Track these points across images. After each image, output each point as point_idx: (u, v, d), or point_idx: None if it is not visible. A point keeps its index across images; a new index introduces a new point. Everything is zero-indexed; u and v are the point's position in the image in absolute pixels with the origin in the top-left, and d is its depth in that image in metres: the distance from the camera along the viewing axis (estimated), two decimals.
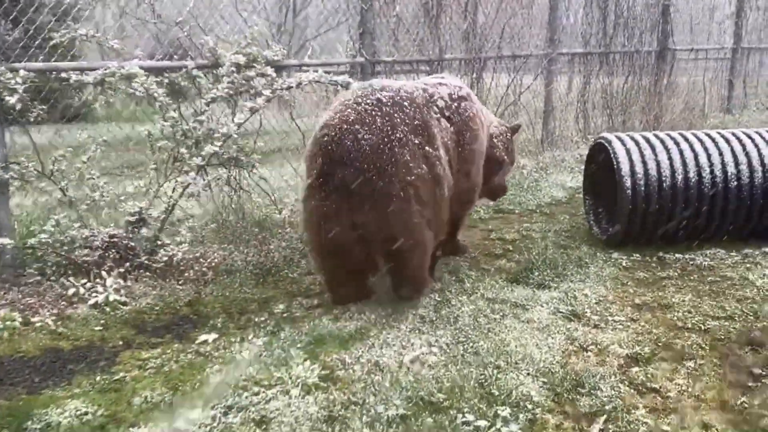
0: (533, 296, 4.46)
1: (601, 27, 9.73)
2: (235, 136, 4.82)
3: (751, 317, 4.16)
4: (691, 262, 5.15)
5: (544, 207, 6.85)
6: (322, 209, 3.91)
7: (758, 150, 5.36)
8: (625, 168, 5.26)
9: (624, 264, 5.14)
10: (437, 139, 4.21)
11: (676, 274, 4.92)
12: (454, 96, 4.62)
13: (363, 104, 4.00)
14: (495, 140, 5.17)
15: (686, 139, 5.44)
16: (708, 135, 5.51)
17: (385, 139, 3.89)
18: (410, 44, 7.28)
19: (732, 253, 5.31)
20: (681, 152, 5.32)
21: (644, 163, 5.28)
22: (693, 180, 5.24)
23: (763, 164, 5.31)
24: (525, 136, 9.02)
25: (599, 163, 5.72)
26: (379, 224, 3.89)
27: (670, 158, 5.30)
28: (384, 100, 4.04)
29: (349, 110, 3.97)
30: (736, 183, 5.27)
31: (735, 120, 12.14)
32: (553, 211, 6.73)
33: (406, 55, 7.21)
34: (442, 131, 4.33)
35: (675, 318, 4.16)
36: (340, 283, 4.25)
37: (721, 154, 5.33)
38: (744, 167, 5.29)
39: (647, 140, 5.46)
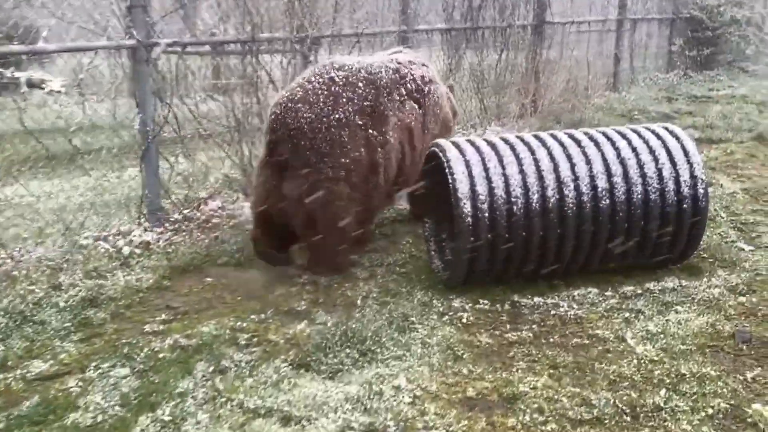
0: (320, 397, 2.99)
1: None
2: None
3: (627, 418, 2.83)
4: (554, 311, 3.83)
5: (387, 225, 5.39)
6: (264, 185, 4.13)
7: (637, 156, 4.07)
8: (463, 187, 3.86)
9: (465, 319, 3.75)
10: (390, 123, 4.22)
11: (531, 335, 3.57)
12: (425, 78, 4.63)
13: (314, 82, 4.04)
14: (453, 103, 5.27)
15: (544, 144, 4.08)
16: (572, 137, 4.18)
17: (324, 119, 3.94)
18: (210, 21, 5.63)
19: (607, 293, 4.03)
20: (536, 162, 3.97)
21: (489, 179, 3.90)
22: (552, 199, 3.91)
23: (643, 175, 4.03)
24: None
25: (439, 177, 4.30)
26: (303, 199, 3.96)
27: (522, 171, 3.93)
28: (337, 79, 4.07)
29: (299, 88, 4.03)
30: (608, 201, 3.96)
31: (621, 99, 11.13)
32: (397, 230, 5.28)
33: (202, 34, 5.55)
34: (404, 114, 4.35)
35: (519, 426, 2.79)
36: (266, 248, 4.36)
37: (588, 162, 4.01)
38: (618, 179, 3.99)
39: (493, 147, 4.07)
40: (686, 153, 4.10)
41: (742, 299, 3.91)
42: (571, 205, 3.91)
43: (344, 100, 4.03)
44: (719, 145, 7.87)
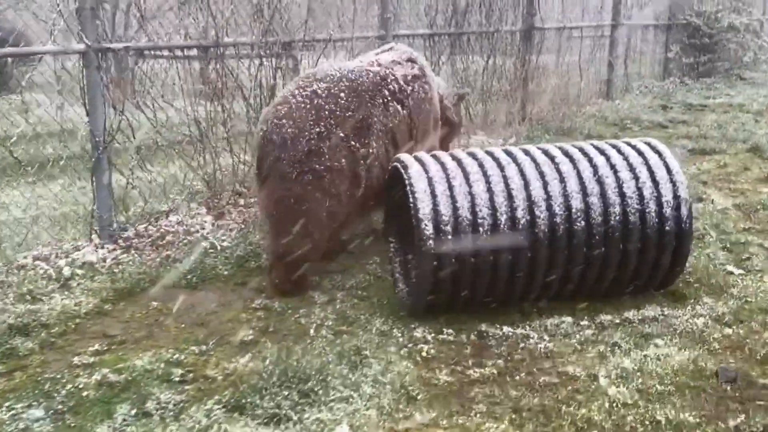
0: None
1: (450, 2, 8.03)
2: None
3: None
4: (523, 344, 3.50)
5: (354, 241, 5.04)
6: (259, 199, 4.35)
7: (615, 173, 3.75)
8: (424, 207, 3.54)
9: (425, 352, 3.43)
10: (373, 131, 4.20)
11: (496, 372, 3.25)
12: (408, 77, 4.58)
13: (297, 97, 4.07)
14: (446, 102, 5.13)
15: (514, 160, 3.77)
16: (546, 153, 3.86)
17: (305, 133, 3.95)
18: (169, 25, 5.32)
19: (582, 322, 3.71)
20: (505, 180, 3.65)
21: (453, 197, 3.58)
22: (522, 221, 3.59)
23: (621, 194, 3.71)
24: None
25: (403, 194, 3.98)
26: (281, 206, 4.01)
27: (489, 190, 3.62)
28: (319, 92, 4.08)
29: (283, 104, 4.09)
30: (583, 223, 3.64)
31: (614, 107, 10.81)
32: (364, 248, 4.92)
33: (159, 39, 5.23)
34: (387, 117, 4.31)
35: None
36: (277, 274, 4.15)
37: (563, 180, 3.69)
38: (595, 200, 3.67)
39: (459, 163, 3.76)
40: (669, 171, 3.78)
41: (728, 331, 3.58)
42: (542, 227, 3.59)
43: (326, 113, 4.02)
44: (713, 157, 7.54)
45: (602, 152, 3.85)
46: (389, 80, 4.42)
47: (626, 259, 3.74)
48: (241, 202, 5.69)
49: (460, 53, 8.34)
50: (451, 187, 3.61)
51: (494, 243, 3.57)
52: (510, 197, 3.60)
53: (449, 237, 3.53)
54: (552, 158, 3.78)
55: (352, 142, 4.09)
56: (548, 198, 3.63)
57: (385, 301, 4.03)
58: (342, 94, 4.12)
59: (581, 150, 3.87)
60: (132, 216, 5.22)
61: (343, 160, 4.04)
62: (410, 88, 4.55)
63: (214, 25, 5.41)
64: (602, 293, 3.89)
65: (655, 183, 3.73)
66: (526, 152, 3.84)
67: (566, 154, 3.82)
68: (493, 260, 3.59)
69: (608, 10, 11.79)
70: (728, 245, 4.80)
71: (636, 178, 3.74)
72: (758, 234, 5.04)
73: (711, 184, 6.42)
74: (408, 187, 3.63)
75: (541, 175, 3.68)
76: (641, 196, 3.70)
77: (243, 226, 5.18)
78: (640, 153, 3.85)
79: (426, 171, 3.68)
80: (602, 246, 3.68)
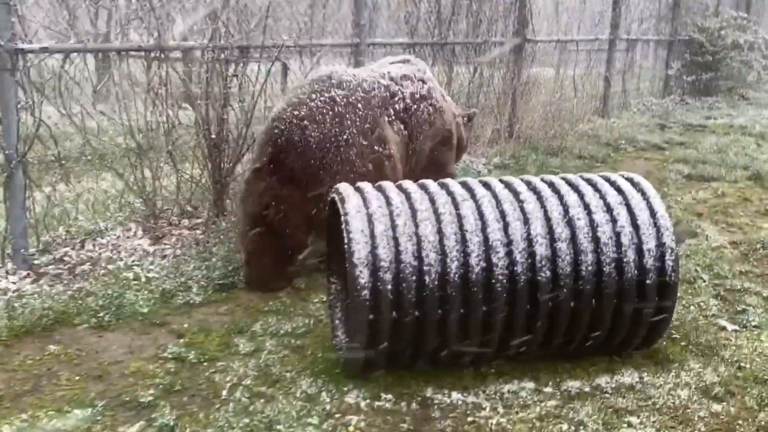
0: None
1: (434, 10, 7.48)
2: None
3: None
4: (471, 417, 2.95)
5: (303, 274, 4.47)
6: (269, 191, 4.00)
7: (589, 215, 3.19)
8: (360, 251, 2.98)
9: (354, 426, 2.88)
10: (389, 139, 4.29)
11: None
12: (416, 95, 4.61)
13: (316, 101, 4.08)
14: (461, 128, 5.16)
15: (472, 196, 3.20)
16: (509, 187, 3.29)
17: (332, 139, 4.01)
18: (105, 24, 4.77)
19: (545, 389, 3.15)
20: (459, 219, 3.09)
21: (396, 239, 3.02)
22: (477, 269, 3.02)
23: (595, 239, 3.14)
24: None
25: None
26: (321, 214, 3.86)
27: (439, 231, 3.05)
28: (338, 99, 4.12)
29: (302, 105, 4.06)
30: (549, 273, 3.07)
31: (610, 125, 10.26)
32: (313, 283, 4.36)
33: (90, 39, 4.68)
34: (393, 134, 4.38)
35: None
36: (261, 267, 4.16)
37: (527, 222, 3.13)
38: (563, 246, 3.11)
39: (407, 197, 3.19)
40: (653, 213, 3.22)
41: (717, 408, 3.01)
42: (500, 277, 3.03)
43: (348, 122, 4.11)
44: (710, 185, 6.99)
45: (576, 189, 3.29)
46: (396, 98, 4.49)
47: (599, 317, 3.18)
48: (185, 223, 5.14)
49: (443, 64, 7.77)
50: (394, 227, 3.05)
51: (442, 294, 3.01)
52: (463, 241, 3.04)
53: (389, 286, 2.97)
54: (516, 194, 3.22)
55: (375, 147, 4.20)
56: (509, 243, 3.06)
57: (320, 354, 3.46)
58: (360, 105, 4.20)
59: (551, 185, 3.30)
60: (58, 237, 4.66)
61: (370, 165, 4.14)
62: (415, 106, 4.59)
63: (158, 26, 4.85)
64: (570, 354, 3.32)
65: (636, 227, 3.17)
66: (487, 186, 3.27)
67: (533, 190, 3.26)
68: (441, 314, 3.03)
69: (606, 24, 11.25)
70: (722, 293, 4.25)
71: (613, 221, 3.17)
72: (756, 279, 4.48)
73: (706, 217, 5.86)
74: (343, 225, 3.07)
75: (502, 215, 3.12)
76: (618, 243, 3.14)
77: (180, 253, 4.62)
78: (620, 191, 3.29)
79: (366, 206, 3.11)
80: (571, 301, 3.11)
